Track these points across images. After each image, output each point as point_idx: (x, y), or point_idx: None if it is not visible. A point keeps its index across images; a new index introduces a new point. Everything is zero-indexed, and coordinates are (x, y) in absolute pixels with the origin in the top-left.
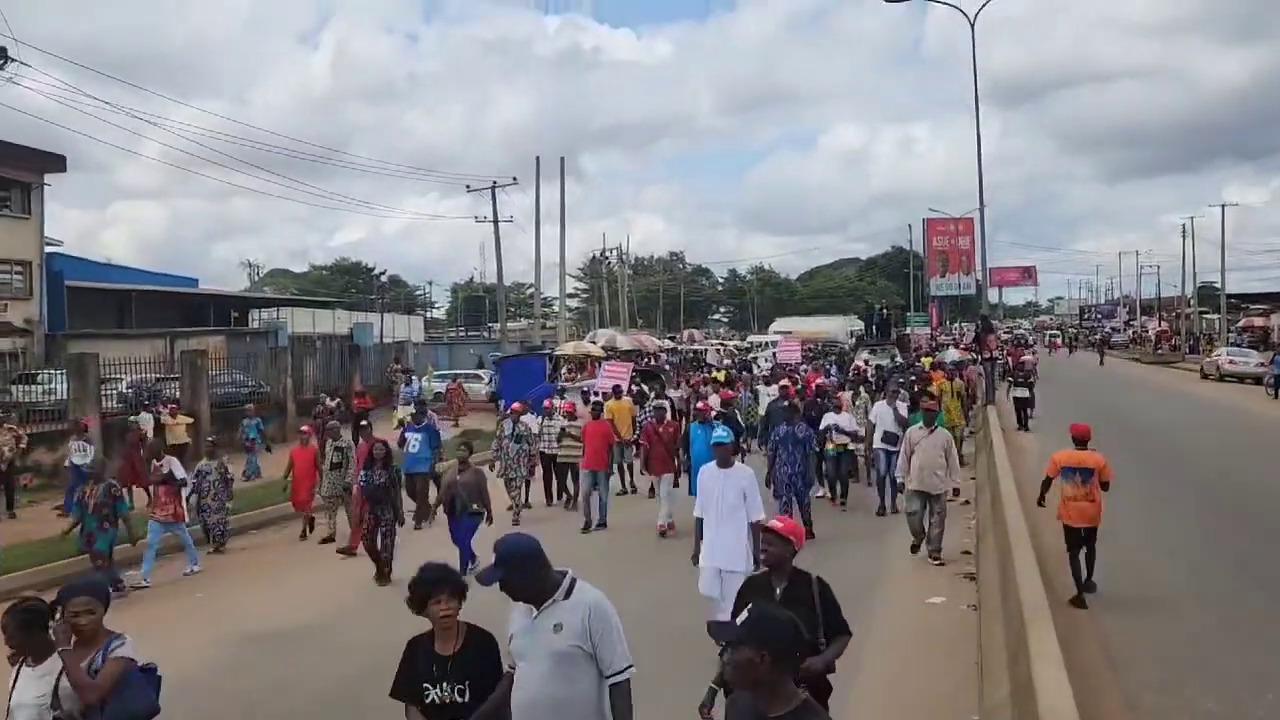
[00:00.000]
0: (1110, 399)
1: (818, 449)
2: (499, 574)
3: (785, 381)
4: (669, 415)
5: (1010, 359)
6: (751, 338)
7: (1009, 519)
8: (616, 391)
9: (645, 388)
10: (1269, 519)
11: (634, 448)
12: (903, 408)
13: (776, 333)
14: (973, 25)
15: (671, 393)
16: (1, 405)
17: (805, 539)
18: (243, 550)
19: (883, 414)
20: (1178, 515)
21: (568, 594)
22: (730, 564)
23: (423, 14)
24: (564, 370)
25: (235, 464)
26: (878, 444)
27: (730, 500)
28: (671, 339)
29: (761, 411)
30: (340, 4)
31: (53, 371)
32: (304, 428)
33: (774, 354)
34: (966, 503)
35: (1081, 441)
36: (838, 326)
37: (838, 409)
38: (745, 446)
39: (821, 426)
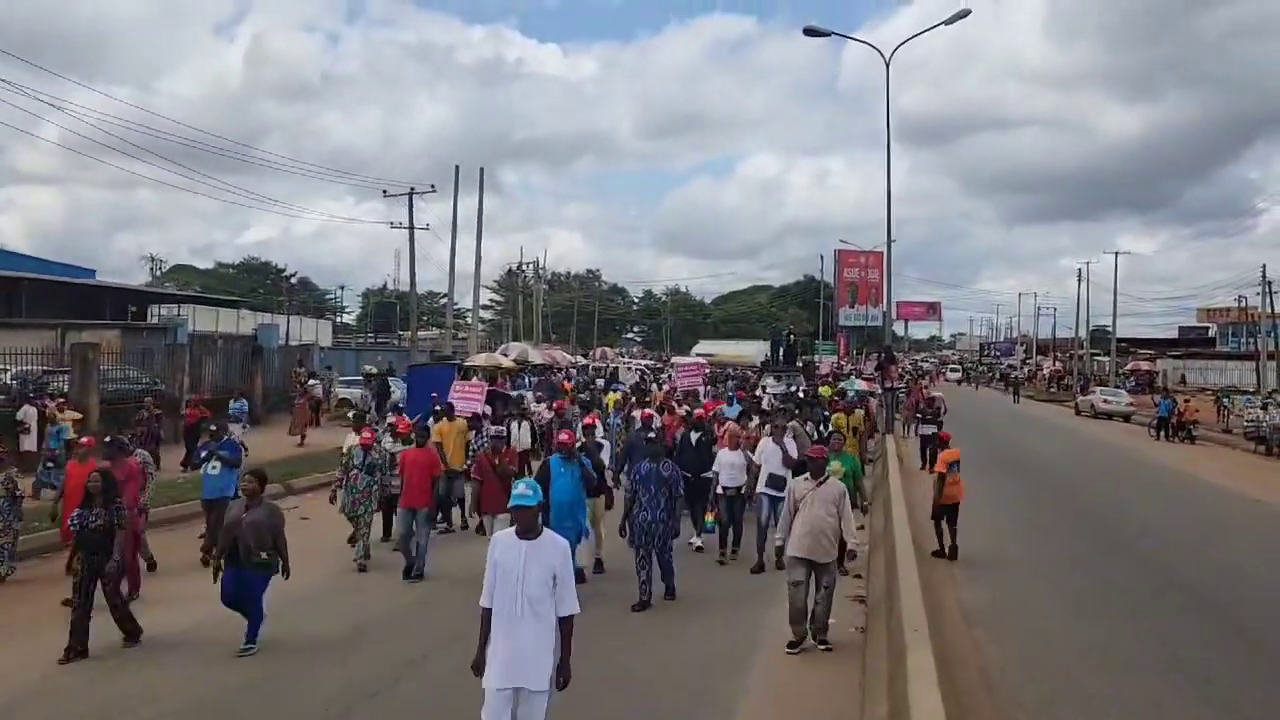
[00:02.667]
0: (1016, 439)
1: (681, 492)
2: None
3: (651, 412)
4: (528, 441)
5: (915, 395)
6: (676, 359)
7: (898, 545)
8: (449, 411)
9: (492, 409)
10: (1143, 551)
11: (464, 479)
12: (791, 446)
13: (698, 355)
14: (888, 64)
15: (544, 412)
16: None
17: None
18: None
19: (768, 453)
20: (1062, 545)
21: None
22: (532, 680)
23: (345, 14)
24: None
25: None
26: (761, 487)
27: (535, 586)
28: (584, 355)
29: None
30: None
31: None
32: (83, 440)
33: (674, 378)
34: (861, 528)
35: (946, 443)
36: (757, 350)
37: (735, 445)
38: (612, 483)
39: (715, 466)
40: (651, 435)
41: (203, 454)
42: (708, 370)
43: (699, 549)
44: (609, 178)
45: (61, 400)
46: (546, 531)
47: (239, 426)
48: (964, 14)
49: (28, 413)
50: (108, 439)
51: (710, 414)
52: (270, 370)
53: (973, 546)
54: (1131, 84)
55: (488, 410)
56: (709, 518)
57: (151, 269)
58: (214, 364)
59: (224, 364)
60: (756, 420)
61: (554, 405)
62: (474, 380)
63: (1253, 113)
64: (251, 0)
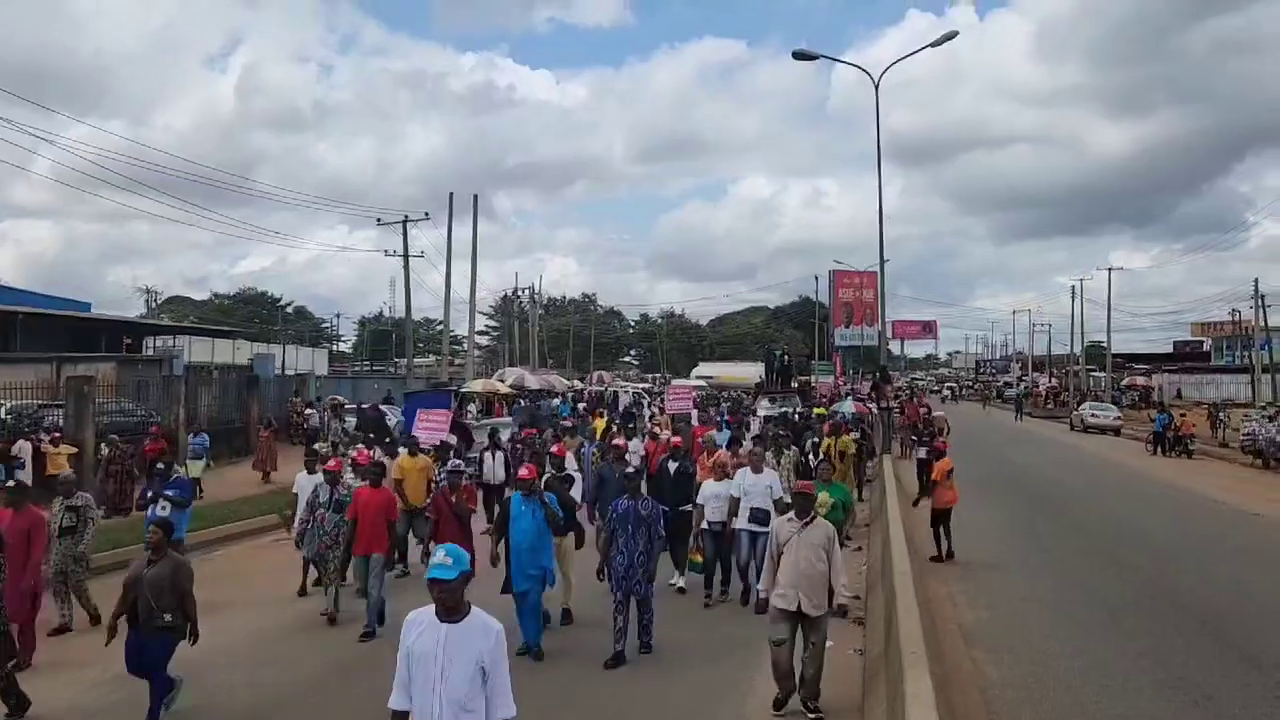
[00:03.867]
0: (1015, 455)
1: (663, 531)
2: None
3: (621, 442)
4: (501, 474)
5: (908, 414)
6: (675, 382)
7: (896, 567)
8: (412, 445)
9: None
10: (1142, 566)
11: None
12: (777, 485)
13: (699, 377)
14: (876, 86)
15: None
16: None
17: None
18: None
19: (749, 483)
20: (1061, 561)
21: None
22: None
23: (337, 45)
24: (471, 408)
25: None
26: (742, 524)
27: (458, 684)
28: (581, 379)
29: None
30: (251, 29)
31: None
32: (10, 481)
33: (663, 401)
34: (859, 549)
35: (943, 453)
36: (756, 372)
37: (721, 475)
38: (586, 520)
39: (699, 499)
40: (632, 470)
41: (148, 494)
42: (699, 394)
43: (681, 590)
44: (602, 202)
45: (56, 434)
46: (475, 611)
47: (200, 463)
48: (951, 36)
49: (22, 448)
50: (12, 484)
51: (700, 438)
52: (266, 400)
53: (972, 563)
54: (1121, 100)
55: (452, 439)
56: (696, 558)
57: (147, 301)
58: (210, 395)
59: (220, 395)
60: (750, 447)
61: (524, 433)
62: (435, 411)
63: (1242, 127)
64: (243, 32)
